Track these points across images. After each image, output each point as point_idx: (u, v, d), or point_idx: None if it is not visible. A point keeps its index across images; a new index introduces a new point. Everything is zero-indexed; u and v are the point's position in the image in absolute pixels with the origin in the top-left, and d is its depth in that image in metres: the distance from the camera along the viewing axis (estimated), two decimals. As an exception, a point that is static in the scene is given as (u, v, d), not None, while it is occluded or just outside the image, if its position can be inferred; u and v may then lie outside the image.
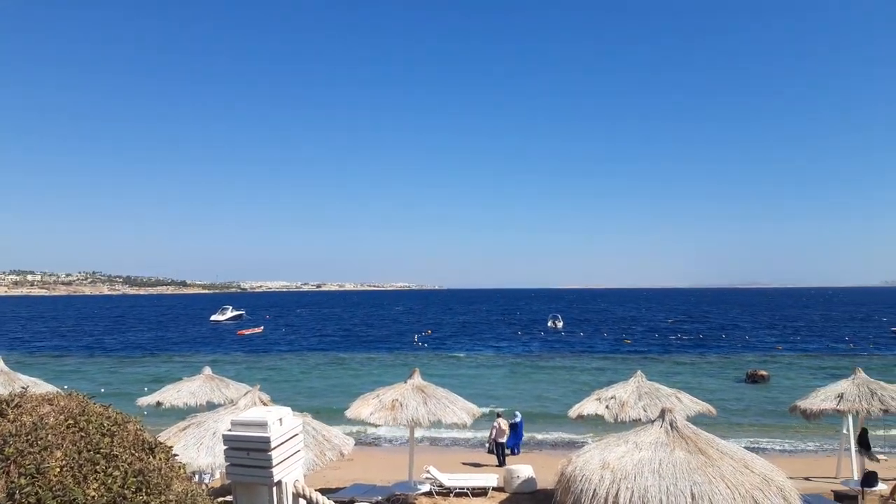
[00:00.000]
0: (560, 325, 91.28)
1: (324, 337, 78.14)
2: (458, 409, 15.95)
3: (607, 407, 16.47)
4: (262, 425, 4.55)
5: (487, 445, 22.99)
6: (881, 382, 17.06)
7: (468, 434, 25.30)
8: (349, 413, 16.00)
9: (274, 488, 4.61)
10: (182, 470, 3.83)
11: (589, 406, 16.90)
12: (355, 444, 14.19)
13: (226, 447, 4.78)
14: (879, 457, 19.16)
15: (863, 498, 15.56)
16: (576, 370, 46.83)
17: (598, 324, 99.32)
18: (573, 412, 17.15)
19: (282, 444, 4.66)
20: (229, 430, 4.78)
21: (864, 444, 17.06)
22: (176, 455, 4.01)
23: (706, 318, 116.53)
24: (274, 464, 4.54)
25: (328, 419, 15.14)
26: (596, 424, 20.35)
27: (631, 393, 16.68)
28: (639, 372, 17.95)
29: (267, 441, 4.52)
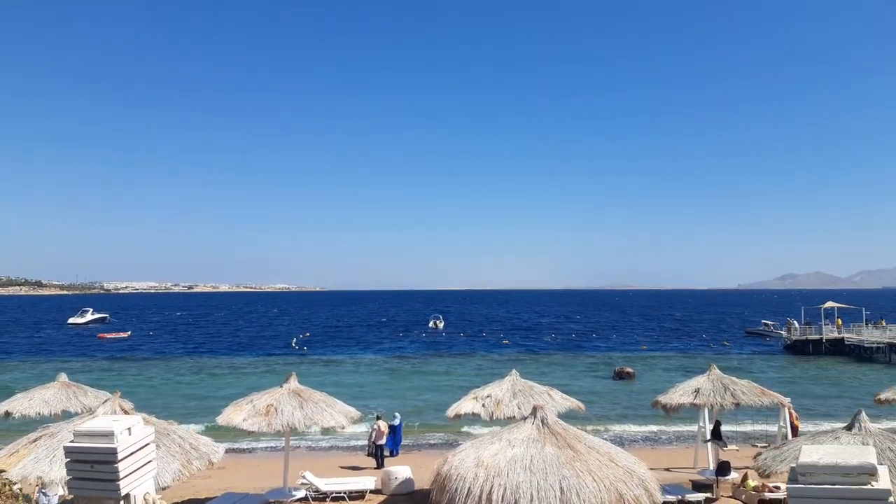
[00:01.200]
0: (441, 325, 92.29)
1: (195, 341, 74.68)
2: (336, 413, 15.68)
3: (483, 405, 16.75)
4: (108, 435, 4.17)
5: (367, 448, 22.77)
6: (733, 378, 18.43)
7: (347, 437, 24.96)
8: (220, 420, 15.34)
9: (121, 502, 4.25)
10: (8, 489, 3.43)
11: (466, 405, 17.11)
12: (227, 452, 13.59)
13: (68, 460, 4.36)
14: (731, 447, 20.71)
15: (717, 486, 16.72)
16: (455, 370, 47.48)
17: (478, 325, 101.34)
18: (451, 412, 17.32)
19: (130, 455, 4.30)
20: (72, 442, 4.37)
21: (717, 435, 18.35)
22: (2, 471, 3.58)
23: (578, 318, 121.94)
24: (121, 476, 4.18)
25: (198, 426, 14.42)
26: (473, 423, 20.64)
27: (506, 391, 17.05)
28: (514, 371, 18.38)
29: (113, 452, 4.15)
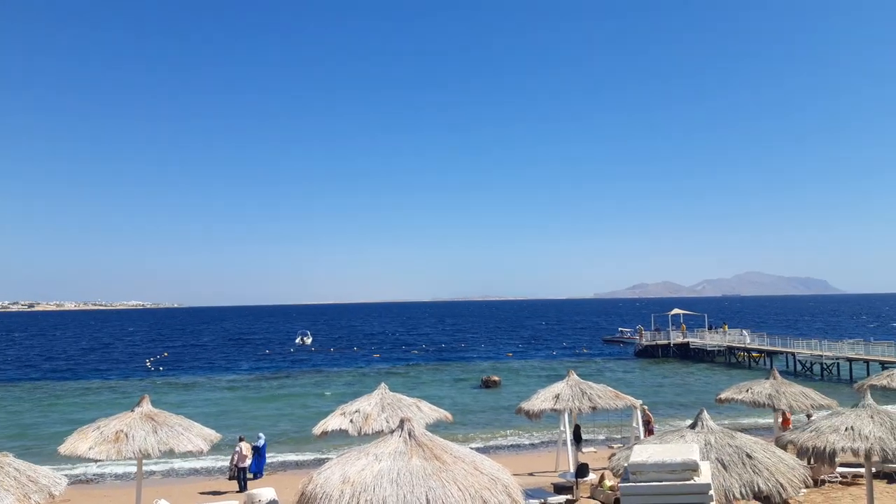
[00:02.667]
0: (309, 341, 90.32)
1: (35, 365, 68.31)
2: (193, 436, 14.81)
3: (351, 421, 16.50)
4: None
5: (229, 471, 21.77)
6: (590, 383, 19.37)
7: (207, 461, 23.71)
8: (63, 449, 14.03)
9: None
10: None
11: (333, 422, 16.78)
12: (71, 483, 12.49)
13: None
14: (589, 449, 21.74)
15: (577, 487, 17.47)
16: (324, 387, 46.59)
17: (349, 339, 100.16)
18: (317, 429, 16.90)
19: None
20: None
21: (577, 438, 19.19)
22: None
23: (446, 330, 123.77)
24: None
25: (38, 458, 13.16)
26: (342, 439, 20.32)
27: (374, 405, 16.90)
28: (383, 384, 18.28)
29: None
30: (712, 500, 5.90)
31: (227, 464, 22.38)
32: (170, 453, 14.62)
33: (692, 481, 5.80)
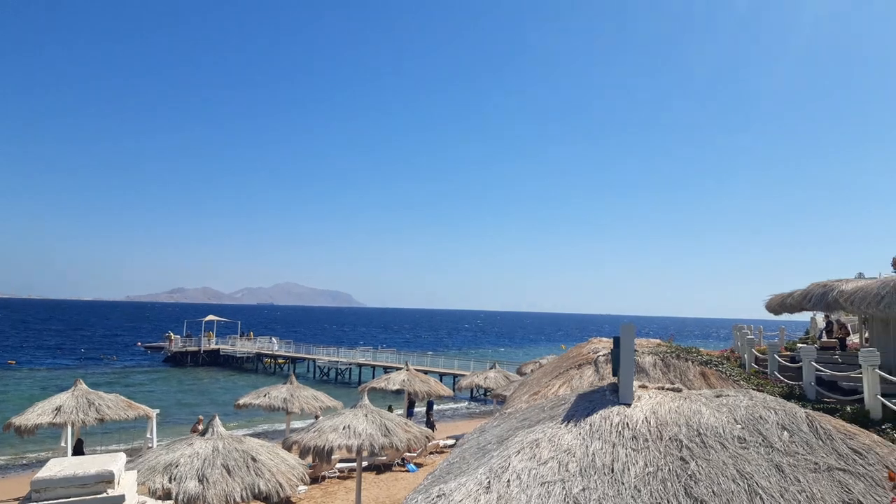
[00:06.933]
0: None
1: None
2: None
3: None
4: None
5: None
6: (100, 392, 17.72)
7: None
8: None
9: None
10: None
11: None
12: None
13: None
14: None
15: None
16: None
17: None
18: None
19: None
20: None
21: (79, 453, 17.28)
22: None
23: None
24: None
25: None
26: None
27: None
28: None
29: None
30: None
31: None
32: None
33: (104, 494, 5.58)
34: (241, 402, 21.92)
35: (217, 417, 12.82)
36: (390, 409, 21.39)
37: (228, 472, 11.34)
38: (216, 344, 61.00)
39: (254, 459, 11.85)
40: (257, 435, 22.74)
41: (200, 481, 10.91)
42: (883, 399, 11.93)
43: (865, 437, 5.13)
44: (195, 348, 59.77)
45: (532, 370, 21.07)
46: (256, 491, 11.36)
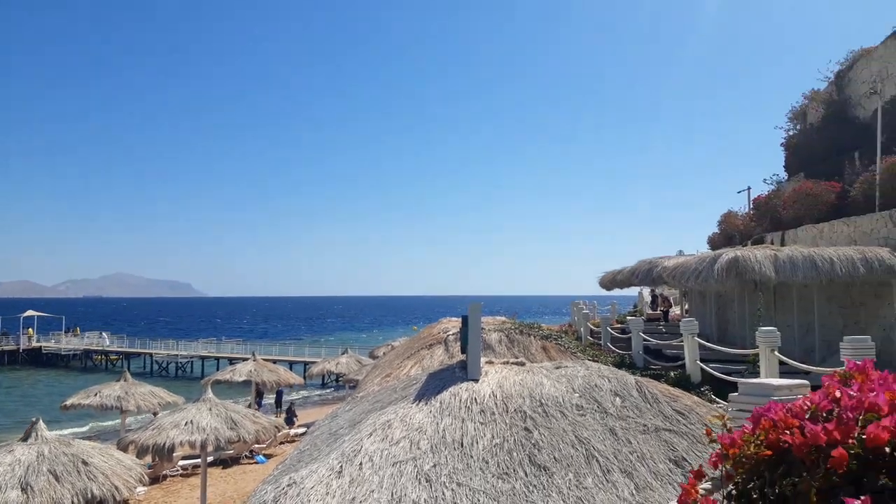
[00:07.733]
0: None
1: None
2: None
3: None
4: None
5: None
6: None
7: None
8: None
9: None
10: None
11: None
12: None
13: None
14: None
15: None
16: None
17: None
18: None
19: None
20: None
21: None
22: None
23: None
24: None
25: None
26: None
27: None
28: None
29: None
30: None
31: None
32: None
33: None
34: (68, 402, 20.18)
35: (41, 421, 11.72)
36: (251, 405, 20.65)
37: (56, 478, 10.42)
38: (38, 342, 55.58)
39: (85, 463, 10.98)
40: (89, 437, 21.14)
41: (24, 490, 9.96)
42: (701, 364, 13.36)
43: (687, 399, 5.69)
44: (13, 347, 54.11)
45: (384, 353, 21.18)
46: (90, 496, 10.53)
